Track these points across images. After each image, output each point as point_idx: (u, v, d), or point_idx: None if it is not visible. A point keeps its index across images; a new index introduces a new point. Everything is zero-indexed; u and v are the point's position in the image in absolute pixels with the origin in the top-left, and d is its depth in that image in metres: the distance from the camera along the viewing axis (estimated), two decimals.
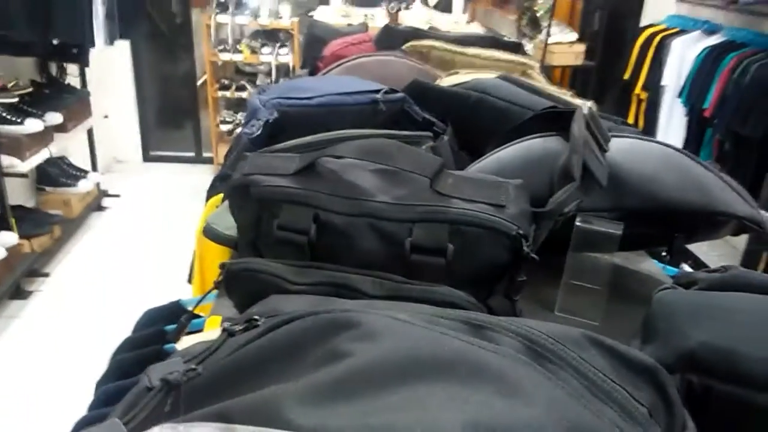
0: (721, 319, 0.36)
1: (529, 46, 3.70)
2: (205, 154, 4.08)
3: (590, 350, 0.31)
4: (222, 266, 0.50)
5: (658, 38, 3.03)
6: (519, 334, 0.31)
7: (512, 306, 0.52)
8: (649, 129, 3.10)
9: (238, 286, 0.49)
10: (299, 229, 0.48)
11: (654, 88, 3.03)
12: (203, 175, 3.82)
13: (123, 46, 3.64)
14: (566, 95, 1.09)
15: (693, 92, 2.67)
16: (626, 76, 3.22)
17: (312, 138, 0.70)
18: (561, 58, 3.47)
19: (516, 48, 1.36)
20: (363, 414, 0.25)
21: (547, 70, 3.58)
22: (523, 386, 0.27)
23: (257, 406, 0.28)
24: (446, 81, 1.05)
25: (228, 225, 0.59)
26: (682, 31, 2.95)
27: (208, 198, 1.20)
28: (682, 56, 2.83)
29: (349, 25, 1.65)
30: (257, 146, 0.75)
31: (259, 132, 0.76)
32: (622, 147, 0.59)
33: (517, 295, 0.51)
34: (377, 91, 0.90)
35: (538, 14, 3.77)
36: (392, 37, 1.31)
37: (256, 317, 0.38)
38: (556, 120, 0.66)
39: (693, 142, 2.74)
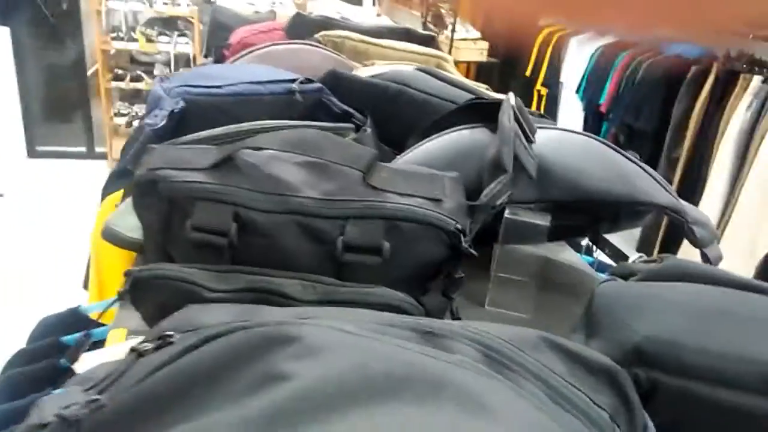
0: (663, 311, 0.36)
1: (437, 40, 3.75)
2: (98, 149, 3.79)
3: (548, 353, 0.29)
4: (127, 274, 0.43)
5: (556, 37, 3.17)
6: (475, 340, 0.28)
7: (449, 304, 0.50)
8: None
9: (148, 295, 0.44)
10: (217, 230, 0.43)
11: (553, 84, 3.17)
12: (96, 172, 3.55)
13: (2, 33, 3.31)
14: (482, 88, 1.10)
15: (589, 88, 2.82)
16: (527, 72, 3.35)
17: (226, 129, 0.64)
18: (466, 54, 3.54)
19: (429, 41, 1.35)
20: None
21: (458, 66, 3.65)
22: (488, 401, 0.24)
23: None
24: (364, 72, 1.01)
25: (131, 226, 0.53)
26: (577, 31, 3.10)
27: (103, 196, 1.09)
28: (579, 54, 2.98)
29: (257, 12, 1.58)
30: (162, 138, 0.68)
31: (163, 122, 0.69)
32: (548, 138, 0.59)
33: (455, 293, 0.48)
34: (293, 81, 0.85)
35: (442, 10, 3.83)
36: (304, 26, 1.26)
37: (169, 333, 0.33)
38: (481, 112, 0.65)
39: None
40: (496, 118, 0.61)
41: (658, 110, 2.36)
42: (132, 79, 3.53)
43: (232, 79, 0.81)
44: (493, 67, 3.68)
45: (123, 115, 3.63)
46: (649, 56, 2.49)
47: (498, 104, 0.60)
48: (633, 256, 0.58)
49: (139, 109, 3.66)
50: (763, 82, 1.97)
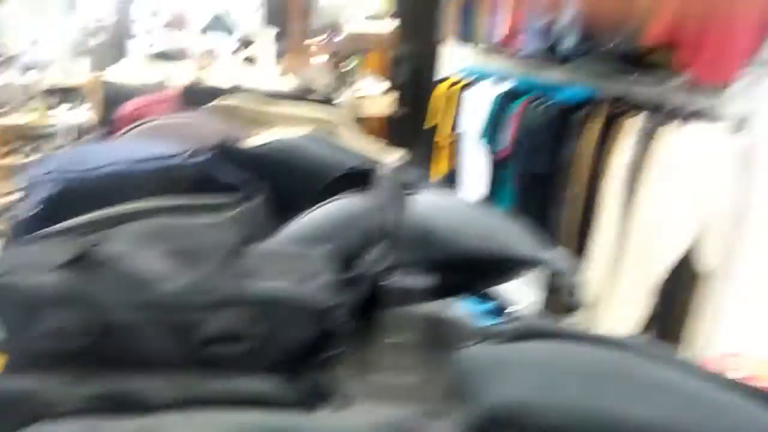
0: (517, 373, 0.37)
1: (344, 97, 3.85)
2: None
3: None
4: None
5: (455, 88, 3.33)
6: None
7: (331, 380, 0.49)
8: (456, 172, 3.36)
9: None
10: (70, 334, 0.41)
11: (457, 133, 3.30)
12: None
13: None
14: (375, 149, 1.13)
15: (489, 135, 2.96)
16: (431, 123, 3.48)
17: (90, 217, 0.62)
18: (373, 107, 3.65)
19: (326, 103, 1.38)
20: None
21: (363, 121, 3.74)
22: None
23: None
24: (254, 141, 1.02)
25: None
26: (476, 81, 3.27)
27: None
28: (477, 103, 3.13)
29: (148, 83, 1.56)
30: (35, 228, 0.65)
31: (36, 211, 0.66)
32: (423, 202, 0.61)
33: (333, 370, 0.48)
34: (178, 155, 0.84)
35: (344, 70, 3.94)
36: (195, 96, 1.26)
37: None
38: (361, 179, 0.66)
39: (493, 182, 3.02)
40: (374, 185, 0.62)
41: (553, 153, 2.49)
42: (26, 155, 3.36)
43: (110, 159, 0.79)
44: (402, 119, 3.80)
45: (11, 194, 3.43)
46: (542, 102, 2.66)
47: (374, 171, 0.62)
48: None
49: None
50: (643, 121, 2.14)
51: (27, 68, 3.25)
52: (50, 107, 3.31)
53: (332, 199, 0.64)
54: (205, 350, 0.42)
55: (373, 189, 0.59)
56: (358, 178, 0.68)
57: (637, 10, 1.99)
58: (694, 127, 2.00)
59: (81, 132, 3.43)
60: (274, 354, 0.44)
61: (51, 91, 3.42)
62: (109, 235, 0.45)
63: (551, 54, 2.54)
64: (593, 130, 2.32)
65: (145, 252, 0.46)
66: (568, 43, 2.30)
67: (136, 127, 1.02)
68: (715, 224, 1.95)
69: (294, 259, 0.48)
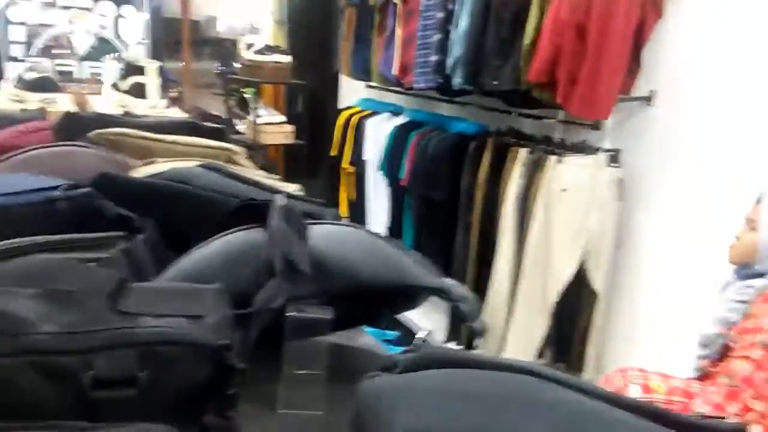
0: (418, 402, 0.37)
1: (241, 127, 3.78)
2: None
3: None
4: None
5: (355, 119, 3.38)
6: None
7: (229, 423, 0.47)
8: (359, 199, 3.40)
9: None
10: None
11: (358, 162, 3.35)
12: None
13: None
14: (272, 180, 1.11)
15: (390, 165, 3.02)
16: (333, 152, 3.50)
17: None
18: (272, 137, 3.62)
19: (219, 133, 1.34)
20: None
21: (262, 149, 3.69)
22: None
23: None
24: (142, 171, 0.97)
25: None
26: (374, 113, 3.35)
27: None
28: (377, 134, 3.20)
29: (24, 110, 1.44)
30: None
31: None
32: (321, 233, 0.60)
33: (231, 410, 0.45)
34: (55, 188, 0.77)
35: (246, 96, 3.90)
36: (76, 125, 1.17)
37: None
38: (257, 212, 0.64)
39: (397, 208, 3.08)
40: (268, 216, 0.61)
41: (448, 181, 2.59)
42: None
43: None
44: (301, 149, 3.80)
45: None
46: (436, 134, 2.76)
47: (271, 203, 0.61)
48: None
49: None
50: (529, 153, 2.28)
51: None
52: None
53: (227, 232, 0.62)
54: (89, 397, 0.38)
55: (269, 221, 0.57)
56: (255, 209, 0.66)
57: (521, 49, 2.13)
58: (575, 159, 2.17)
59: None
60: (167, 396, 0.41)
61: None
62: None
63: (442, 90, 2.67)
64: (485, 160, 2.44)
65: (20, 293, 0.41)
66: (457, 80, 2.42)
67: (9, 157, 0.93)
68: (598, 247, 2.10)
69: (184, 296, 0.45)
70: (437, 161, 2.65)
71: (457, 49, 2.40)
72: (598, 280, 2.11)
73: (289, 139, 3.68)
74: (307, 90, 3.80)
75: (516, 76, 2.18)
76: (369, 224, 3.34)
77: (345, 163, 3.43)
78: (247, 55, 3.42)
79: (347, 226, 0.63)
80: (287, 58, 3.51)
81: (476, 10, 2.30)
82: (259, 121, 3.51)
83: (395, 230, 3.10)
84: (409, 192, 2.93)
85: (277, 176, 1.14)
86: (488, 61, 2.28)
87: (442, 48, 2.51)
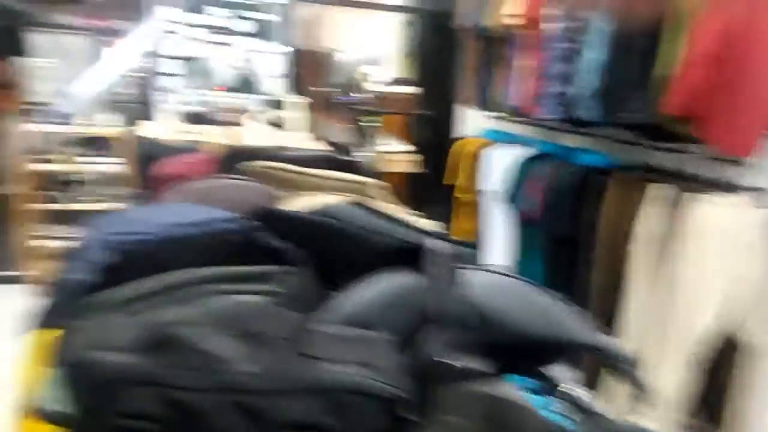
0: None
1: (364, 155, 3.92)
2: (14, 273, 3.57)
3: None
4: None
5: (475, 148, 3.38)
6: None
7: None
8: (478, 230, 3.38)
9: None
10: (146, 415, 0.41)
11: (478, 192, 3.34)
12: (10, 298, 3.32)
13: None
14: (411, 216, 1.14)
15: (511, 196, 2.98)
16: (453, 182, 3.52)
17: (154, 285, 0.63)
18: (395, 165, 3.71)
19: (351, 165, 1.41)
20: None
21: (384, 177, 3.79)
22: None
23: None
24: (294, 206, 1.04)
25: (60, 399, 0.49)
26: (495, 143, 3.33)
27: (30, 329, 1.02)
28: (497, 164, 3.18)
29: (185, 141, 1.61)
30: (89, 293, 0.66)
31: (91, 277, 0.67)
32: (477, 281, 0.61)
33: None
34: (226, 220, 0.86)
35: (369, 124, 4.04)
36: (234, 157, 1.29)
37: None
38: (410, 254, 0.67)
39: (518, 242, 3.02)
40: (423, 260, 0.63)
41: (574, 215, 2.51)
42: (51, 200, 3.41)
43: (163, 223, 0.80)
44: (422, 177, 3.86)
45: (41, 237, 3.47)
46: (562, 166, 2.69)
47: (423, 248, 0.63)
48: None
49: (59, 230, 3.51)
50: (665, 189, 2.16)
51: (58, 117, 3.36)
52: (79, 156, 3.39)
53: (382, 274, 0.65)
54: None
55: (426, 267, 0.59)
56: (406, 253, 0.69)
57: (655, 81, 2.04)
58: (716, 197, 2.02)
59: (109, 181, 3.50)
60: None
61: (81, 140, 3.50)
62: (184, 316, 0.46)
63: (570, 121, 2.60)
64: (614, 195, 2.34)
65: (217, 334, 0.46)
66: (587, 111, 2.35)
67: (179, 189, 1.04)
68: (743, 294, 1.93)
69: (357, 342, 0.48)
70: (563, 194, 2.58)
71: (585, 79, 2.34)
72: (743, 331, 1.94)
73: (411, 168, 3.75)
74: (428, 119, 3.87)
75: (651, 109, 2.09)
76: (487, 256, 3.30)
77: (463, 193, 3.43)
78: (373, 86, 3.55)
79: (501, 273, 0.64)
80: (411, 89, 3.60)
81: (606, 41, 2.23)
82: (381, 149, 3.62)
83: (516, 264, 3.03)
84: (531, 225, 2.86)
85: (415, 212, 1.17)
86: (619, 92, 2.21)
87: (569, 79, 2.46)
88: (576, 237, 2.49)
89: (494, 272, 0.64)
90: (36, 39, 4.81)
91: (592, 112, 2.33)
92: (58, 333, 0.72)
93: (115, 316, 0.51)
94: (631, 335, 2.20)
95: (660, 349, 2.10)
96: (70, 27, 5.29)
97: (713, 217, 1.97)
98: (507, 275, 0.64)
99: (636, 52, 2.10)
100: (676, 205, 2.09)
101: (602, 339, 0.59)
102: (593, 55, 2.28)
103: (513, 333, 0.59)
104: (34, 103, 3.49)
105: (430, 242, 0.67)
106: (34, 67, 4.13)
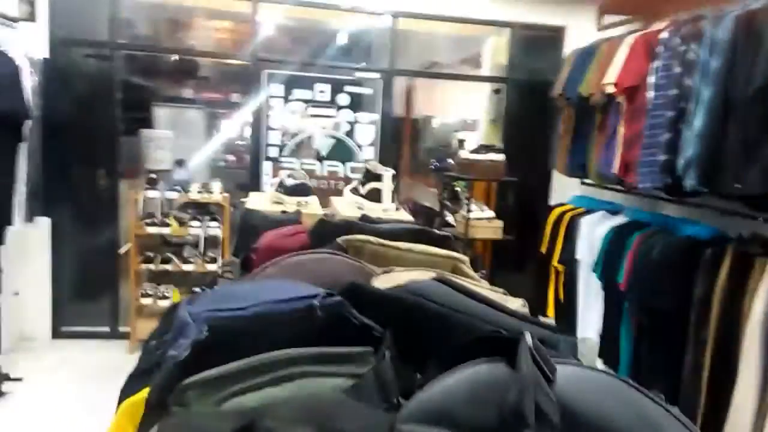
0: None
1: (451, 218, 3.92)
2: (122, 329, 3.83)
3: None
4: None
5: (567, 216, 3.29)
6: None
7: None
8: (569, 300, 3.24)
9: None
10: None
11: (569, 261, 3.22)
12: (118, 353, 3.54)
13: (43, 223, 3.54)
14: (499, 293, 1.12)
15: (606, 267, 2.85)
16: (543, 249, 3.42)
17: (239, 366, 0.66)
18: (481, 231, 3.67)
19: (444, 240, 1.41)
20: None
21: (471, 243, 3.77)
22: None
23: None
24: (382, 281, 1.05)
25: None
26: (588, 211, 3.22)
27: (121, 399, 1.08)
28: (592, 233, 3.07)
29: (283, 212, 1.69)
30: (185, 369, 0.69)
31: (187, 353, 0.71)
32: (568, 378, 0.58)
33: None
34: (314, 296, 0.88)
35: (457, 189, 4.06)
36: (326, 230, 1.33)
37: None
38: (500, 341, 0.65)
39: (611, 315, 2.86)
40: (513, 350, 0.61)
41: (675, 290, 2.35)
42: (162, 261, 3.66)
43: (255, 299, 0.84)
44: (508, 245, 3.79)
45: (149, 295, 3.71)
46: (662, 236, 2.55)
47: (516, 342, 0.61)
48: None
49: (165, 289, 3.75)
50: None
51: (174, 184, 3.65)
52: (187, 220, 3.64)
53: (471, 363, 0.63)
54: None
55: (519, 362, 0.57)
56: (495, 341, 0.67)
57: (765, 152, 1.91)
58: None
59: (211, 244, 3.73)
60: None
61: (189, 204, 3.78)
62: (273, 411, 0.47)
63: (667, 190, 2.48)
64: (723, 269, 2.17)
65: (301, 428, 0.47)
66: (690, 181, 2.24)
67: (274, 264, 1.09)
68: None
69: None
70: (664, 266, 2.43)
71: (690, 148, 2.23)
72: None
73: (498, 235, 3.70)
74: (518, 186, 3.83)
75: (764, 180, 1.95)
76: (579, 328, 3.14)
77: (555, 261, 3.33)
78: (463, 153, 3.58)
79: (599, 371, 0.61)
80: (500, 156, 3.60)
81: (714, 109, 2.13)
82: (469, 215, 3.61)
83: (609, 338, 2.87)
84: (627, 298, 2.71)
85: (501, 290, 1.14)
86: (729, 162, 2.08)
87: (672, 147, 2.36)
88: (675, 313, 2.32)
89: (588, 368, 0.61)
90: (158, 112, 5.34)
91: (696, 181, 2.21)
92: (144, 397, 0.76)
93: (206, 400, 0.53)
94: (741, 427, 1.98)
95: None
96: (188, 100, 5.84)
97: None
98: (603, 373, 0.60)
99: (750, 121, 1.99)
100: None
101: None
102: (700, 123, 2.18)
103: None
104: (155, 171, 3.82)
105: (523, 330, 0.64)
106: (156, 138, 4.55)
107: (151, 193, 3.58)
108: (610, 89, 2.72)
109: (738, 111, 2.04)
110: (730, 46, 2.07)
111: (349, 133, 3.98)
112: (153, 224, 3.58)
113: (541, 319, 2.17)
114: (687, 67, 2.30)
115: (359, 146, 4.01)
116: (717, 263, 2.21)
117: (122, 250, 3.79)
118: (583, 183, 3.52)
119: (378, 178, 1.85)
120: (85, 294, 3.92)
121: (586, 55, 3.11)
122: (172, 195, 3.63)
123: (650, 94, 2.49)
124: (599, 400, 0.56)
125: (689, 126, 2.26)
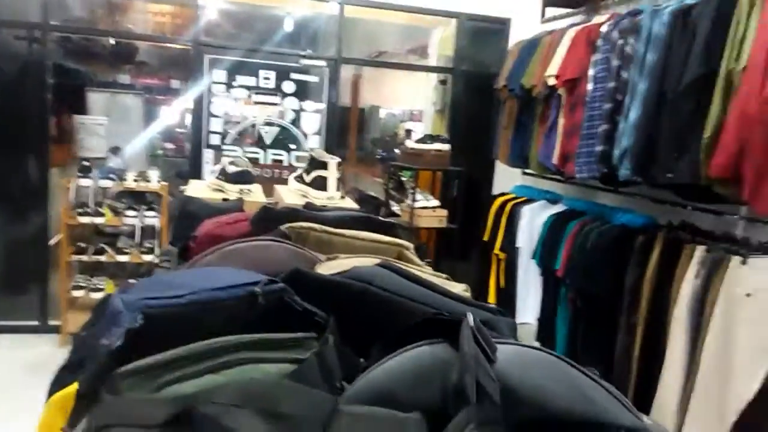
0: None
1: (396, 207, 3.94)
2: (52, 323, 3.65)
3: None
4: None
5: (509, 205, 3.37)
6: None
7: None
8: (509, 287, 3.32)
9: None
10: None
11: (510, 249, 3.30)
12: (48, 347, 3.39)
13: None
14: (442, 278, 1.13)
15: (544, 254, 2.94)
16: (485, 237, 3.49)
17: (181, 354, 0.63)
18: (426, 221, 3.71)
19: (390, 228, 1.41)
20: None
21: (415, 232, 3.80)
22: None
23: None
24: (326, 267, 1.04)
25: None
26: (529, 200, 3.31)
27: (50, 392, 1.02)
28: (532, 222, 3.15)
29: (225, 200, 1.64)
30: (117, 360, 0.66)
31: (120, 341, 0.68)
32: (508, 356, 0.60)
33: None
34: (255, 283, 0.86)
35: (403, 179, 4.08)
36: (270, 217, 1.31)
37: None
38: (443, 324, 0.66)
39: (550, 300, 2.95)
40: (456, 332, 0.62)
41: (609, 276, 2.45)
42: (95, 252, 3.52)
43: (193, 287, 0.81)
44: (453, 233, 3.85)
45: (81, 287, 3.56)
46: (598, 224, 2.65)
47: (459, 323, 0.62)
48: None
49: (99, 281, 3.60)
50: (707, 251, 2.09)
51: (108, 173, 3.50)
52: (122, 210, 3.51)
53: (414, 345, 0.63)
54: None
55: (461, 342, 0.58)
56: (438, 324, 0.67)
57: (696, 143, 2.01)
58: (761, 261, 1.94)
59: (148, 235, 3.60)
60: None
61: (125, 193, 3.64)
62: (210, 396, 0.45)
63: (604, 180, 2.57)
64: (654, 256, 2.27)
65: (240, 412, 0.45)
66: (625, 171, 2.32)
67: (214, 252, 1.06)
68: None
69: (389, 424, 0.47)
70: (599, 253, 2.52)
71: (626, 139, 2.32)
72: None
73: (443, 223, 3.75)
74: (462, 175, 3.89)
75: (695, 170, 2.04)
76: (518, 313, 3.23)
77: (497, 249, 3.40)
78: (409, 143, 3.60)
79: (537, 349, 0.62)
80: (446, 146, 3.64)
81: (648, 102, 2.22)
82: (414, 204, 3.63)
83: (547, 322, 2.96)
84: (564, 284, 2.80)
85: (444, 275, 1.15)
86: (662, 153, 2.17)
87: (609, 138, 2.45)
88: (608, 298, 2.42)
89: (527, 347, 0.62)
90: (92, 97, 5.10)
91: (631, 171, 2.29)
92: (75, 390, 0.72)
93: (141, 389, 0.51)
94: (667, 406, 2.09)
95: (697, 420, 1.99)
96: (125, 86, 5.60)
97: (757, 279, 1.90)
98: (541, 351, 0.62)
99: (682, 113, 2.08)
100: (718, 268, 2.01)
101: (643, 422, 0.56)
102: (635, 115, 2.26)
103: (547, 412, 0.56)
104: (88, 159, 3.65)
105: (465, 312, 0.65)
106: (89, 123, 4.35)
107: (84, 182, 3.42)
108: (552, 81, 2.79)
109: (670, 104, 2.13)
110: (666, 41, 2.15)
111: (295, 122, 3.93)
112: (86, 214, 3.42)
113: None
114: (625, 60, 2.38)
115: (305, 135, 3.96)
116: (648, 250, 2.31)
117: (53, 241, 3.62)
118: (524, 173, 3.61)
119: (323, 165, 1.83)
120: (13, 286, 3.72)
121: (530, 47, 3.18)
122: (107, 183, 3.48)
123: (589, 86, 2.57)
124: (537, 375, 0.58)
125: (625, 118, 2.34)
